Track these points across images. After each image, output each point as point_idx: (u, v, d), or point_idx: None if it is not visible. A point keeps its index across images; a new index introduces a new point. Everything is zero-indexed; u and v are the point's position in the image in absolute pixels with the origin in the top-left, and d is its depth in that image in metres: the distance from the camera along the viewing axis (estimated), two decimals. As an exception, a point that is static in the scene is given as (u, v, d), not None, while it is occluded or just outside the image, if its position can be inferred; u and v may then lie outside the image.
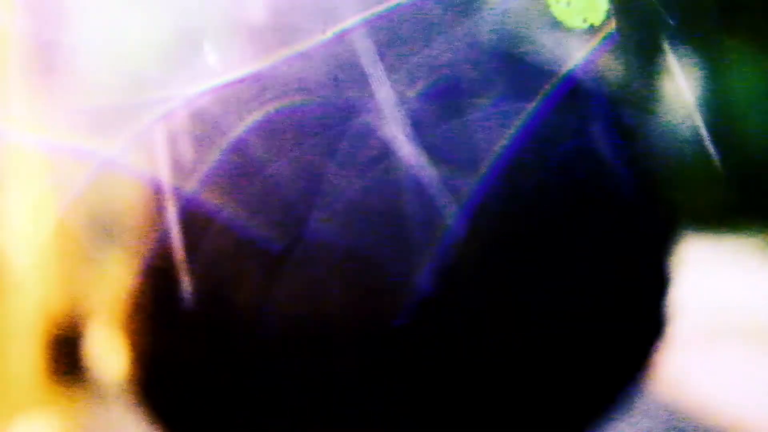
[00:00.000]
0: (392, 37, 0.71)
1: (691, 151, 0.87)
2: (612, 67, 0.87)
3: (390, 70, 0.69)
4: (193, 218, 0.67)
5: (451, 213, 0.67)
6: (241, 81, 0.68)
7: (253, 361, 0.67)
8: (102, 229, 0.72)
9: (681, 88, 0.88)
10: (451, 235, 0.67)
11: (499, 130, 0.70)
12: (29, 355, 0.75)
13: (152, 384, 0.72)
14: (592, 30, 0.88)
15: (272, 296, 0.66)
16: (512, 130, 0.71)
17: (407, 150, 0.67)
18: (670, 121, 0.88)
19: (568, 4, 0.88)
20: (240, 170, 0.67)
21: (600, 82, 0.79)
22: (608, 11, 0.89)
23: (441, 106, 0.70)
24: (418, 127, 0.68)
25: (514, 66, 0.78)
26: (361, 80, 0.69)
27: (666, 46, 0.90)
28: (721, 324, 0.86)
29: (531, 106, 0.75)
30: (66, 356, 0.77)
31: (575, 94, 0.77)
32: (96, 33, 0.74)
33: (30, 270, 0.75)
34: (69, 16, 0.74)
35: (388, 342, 0.67)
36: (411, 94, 0.69)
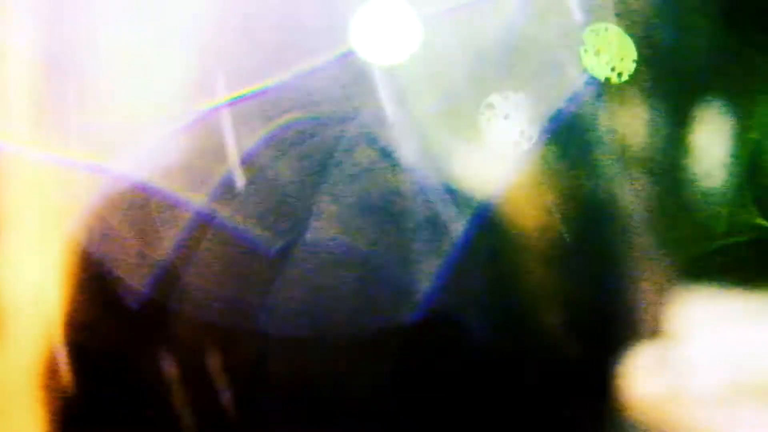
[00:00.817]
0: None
1: (715, 208, 0.86)
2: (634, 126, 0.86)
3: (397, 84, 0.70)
4: (205, 229, 0.68)
5: (455, 219, 0.67)
6: (252, 96, 0.69)
7: (255, 363, 0.67)
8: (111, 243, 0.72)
9: (711, 143, 0.87)
10: (456, 240, 0.66)
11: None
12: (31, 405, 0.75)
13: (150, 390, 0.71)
14: (620, 81, 0.88)
15: (277, 300, 0.66)
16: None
17: (413, 158, 0.68)
18: (697, 174, 0.87)
19: (597, 54, 0.88)
20: (250, 181, 0.67)
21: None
22: (637, 62, 0.88)
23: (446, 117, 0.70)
24: (423, 137, 0.69)
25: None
26: (368, 93, 0.70)
27: (697, 99, 0.89)
28: (741, 382, 0.84)
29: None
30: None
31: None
32: (111, 47, 0.74)
33: (41, 294, 0.75)
34: (82, 28, 0.75)
35: (390, 345, 0.66)
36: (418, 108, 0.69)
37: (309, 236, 0.68)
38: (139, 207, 0.71)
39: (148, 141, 0.71)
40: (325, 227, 0.68)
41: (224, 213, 0.68)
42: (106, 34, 0.72)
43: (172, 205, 0.69)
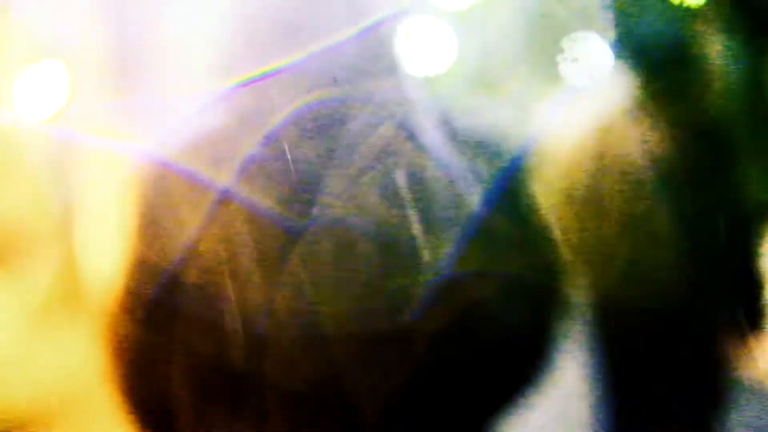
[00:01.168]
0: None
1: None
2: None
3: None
4: (229, 210, 0.68)
5: (474, 198, 0.66)
6: (272, 75, 0.69)
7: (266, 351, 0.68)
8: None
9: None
10: (473, 221, 0.66)
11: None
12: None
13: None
14: (689, 12, 0.85)
15: (295, 280, 0.66)
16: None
17: (433, 138, 0.67)
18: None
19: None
20: (272, 162, 0.68)
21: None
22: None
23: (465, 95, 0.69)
24: (445, 117, 0.68)
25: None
26: (388, 72, 0.69)
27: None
28: None
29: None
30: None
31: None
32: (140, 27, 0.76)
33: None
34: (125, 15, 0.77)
35: (406, 331, 0.66)
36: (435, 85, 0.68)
37: (331, 215, 0.68)
38: (169, 185, 0.72)
39: (173, 119, 0.72)
40: (346, 207, 0.68)
41: (247, 191, 0.69)
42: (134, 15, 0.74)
43: (197, 183, 0.71)
